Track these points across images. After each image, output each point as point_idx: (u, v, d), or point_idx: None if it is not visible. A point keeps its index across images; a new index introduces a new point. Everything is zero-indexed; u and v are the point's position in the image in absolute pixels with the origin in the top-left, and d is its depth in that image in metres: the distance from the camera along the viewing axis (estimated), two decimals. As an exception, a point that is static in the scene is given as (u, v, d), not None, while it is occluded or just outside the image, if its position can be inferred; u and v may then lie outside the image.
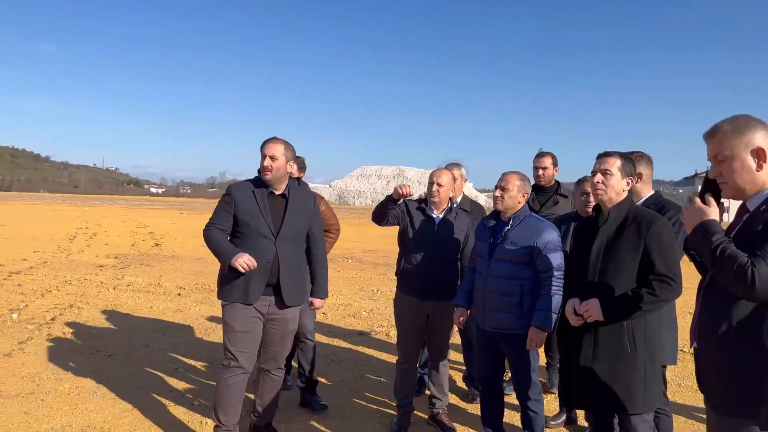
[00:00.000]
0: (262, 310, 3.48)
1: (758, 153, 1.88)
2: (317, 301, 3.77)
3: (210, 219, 3.48)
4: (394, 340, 6.49)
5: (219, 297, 3.50)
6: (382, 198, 3.86)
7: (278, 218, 3.48)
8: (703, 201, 2.02)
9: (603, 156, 2.92)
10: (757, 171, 1.89)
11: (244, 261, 3.24)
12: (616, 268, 2.75)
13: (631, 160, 2.92)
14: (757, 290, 1.71)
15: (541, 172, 4.79)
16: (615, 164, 2.87)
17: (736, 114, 1.96)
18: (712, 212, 1.96)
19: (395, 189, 3.78)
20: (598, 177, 2.88)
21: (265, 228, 3.42)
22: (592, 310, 2.75)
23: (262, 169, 3.48)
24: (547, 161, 4.75)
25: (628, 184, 2.89)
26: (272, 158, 3.43)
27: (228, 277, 3.39)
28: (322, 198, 4.94)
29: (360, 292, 9.71)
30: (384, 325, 7.25)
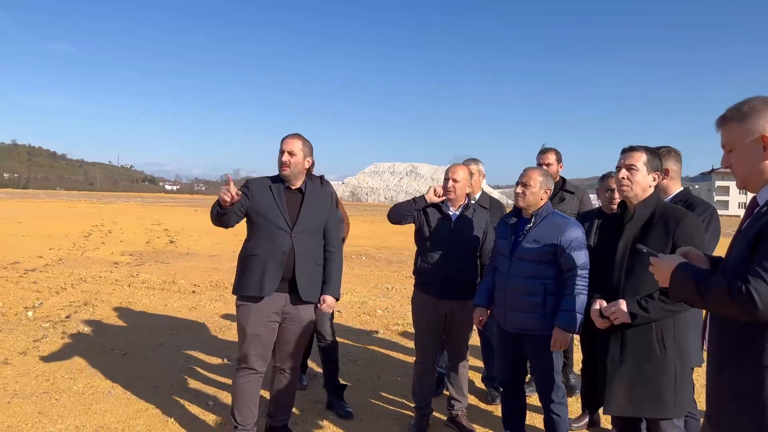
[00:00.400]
0: (277, 308, 3.43)
1: (763, 140, 1.75)
2: (329, 299, 3.58)
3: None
4: (410, 338, 6.43)
5: (234, 292, 3.47)
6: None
7: (294, 211, 3.46)
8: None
9: (628, 151, 2.80)
10: (764, 160, 1.76)
11: (224, 189, 3.18)
12: (643, 266, 2.63)
13: (657, 154, 2.80)
14: (759, 308, 1.58)
15: (544, 168, 4.64)
16: (640, 159, 2.75)
17: (750, 97, 1.83)
18: (675, 259, 1.88)
19: (430, 195, 3.79)
20: (623, 173, 2.76)
21: (280, 220, 3.40)
22: (617, 312, 2.64)
23: (279, 164, 3.46)
24: (551, 157, 4.58)
25: (654, 179, 2.77)
26: (290, 153, 3.43)
27: (243, 269, 3.38)
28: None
29: (374, 289, 9.63)
30: (399, 323, 7.16)
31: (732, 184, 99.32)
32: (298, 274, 3.41)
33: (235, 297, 3.49)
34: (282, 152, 3.44)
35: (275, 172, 3.52)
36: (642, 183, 2.75)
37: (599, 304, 2.78)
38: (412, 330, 6.73)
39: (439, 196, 3.81)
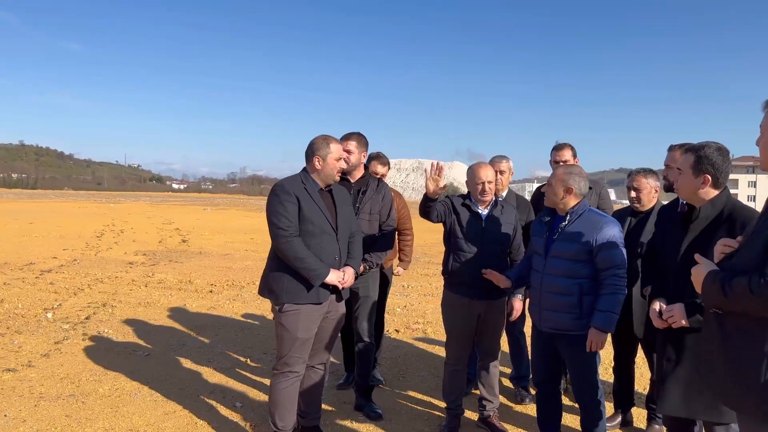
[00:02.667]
0: (324, 310, 3.44)
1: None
2: (350, 270, 3.53)
3: (278, 222, 3.28)
4: (432, 337, 6.39)
5: (282, 300, 3.34)
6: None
7: (332, 213, 3.45)
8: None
9: (681, 150, 2.73)
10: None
11: (337, 279, 3.34)
12: None
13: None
14: None
15: (561, 165, 4.56)
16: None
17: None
18: (707, 266, 1.98)
19: (427, 189, 3.61)
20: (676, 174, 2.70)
21: (326, 224, 3.38)
22: (676, 315, 2.58)
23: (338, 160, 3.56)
24: (567, 153, 4.49)
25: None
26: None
27: (294, 275, 3.30)
28: (401, 195, 4.92)
29: (391, 287, 9.57)
30: (420, 322, 7.11)
31: (741, 177, 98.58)
32: None
33: (263, 299, 3.46)
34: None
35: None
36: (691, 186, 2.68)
37: (659, 305, 2.71)
38: (432, 328, 6.73)
39: (439, 191, 3.62)
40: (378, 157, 4.71)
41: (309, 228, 3.33)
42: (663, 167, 3.78)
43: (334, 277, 3.32)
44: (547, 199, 3.41)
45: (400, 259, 5.04)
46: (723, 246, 2.01)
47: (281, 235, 3.26)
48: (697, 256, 2.05)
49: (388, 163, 4.81)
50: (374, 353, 4.37)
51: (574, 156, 4.52)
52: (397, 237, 4.69)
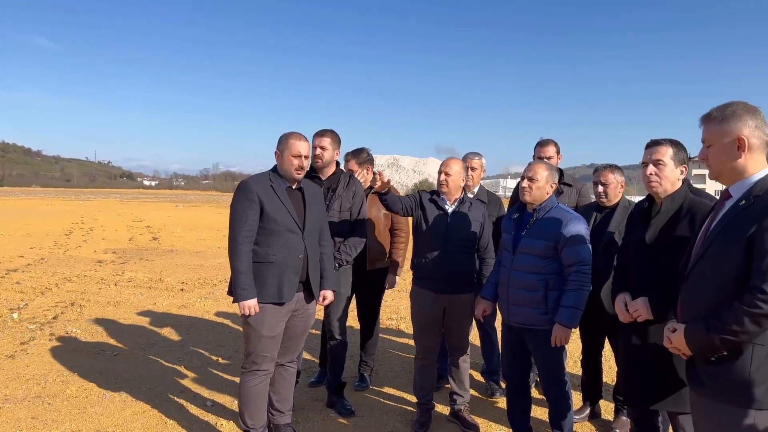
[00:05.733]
0: (291, 308, 3.42)
1: (739, 142, 1.98)
2: (329, 294, 3.63)
3: (237, 225, 3.26)
4: (406, 332, 6.40)
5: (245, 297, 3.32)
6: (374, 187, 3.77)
7: (300, 212, 3.41)
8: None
9: (653, 145, 2.76)
10: (737, 159, 1.99)
11: (250, 308, 3.24)
12: (668, 261, 2.62)
13: (682, 146, 2.77)
14: None
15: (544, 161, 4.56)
16: (667, 153, 2.72)
17: (734, 101, 2.06)
18: (679, 329, 2.08)
19: (376, 184, 3.65)
20: (651, 169, 2.73)
21: (292, 223, 3.34)
22: (641, 309, 2.64)
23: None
24: (551, 150, 4.48)
25: (681, 173, 2.74)
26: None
27: (257, 275, 3.27)
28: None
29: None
30: (393, 318, 7.13)
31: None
32: (311, 276, 3.45)
33: (228, 295, 3.41)
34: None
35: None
36: (670, 177, 2.72)
37: (624, 299, 2.76)
38: (405, 324, 6.75)
39: (384, 185, 3.66)
40: (355, 154, 4.59)
41: (272, 227, 3.29)
42: (638, 163, 3.82)
43: (249, 304, 3.22)
44: (530, 195, 3.37)
45: (390, 261, 4.65)
46: (669, 331, 2.14)
47: (234, 240, 3.27)
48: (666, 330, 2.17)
49: (367, 161, 4.61)
50: (345, 351, 4.33)
51: (558, 152, 4.52)
52: (390, 237, 4.60)
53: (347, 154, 4.61)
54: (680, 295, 2.12)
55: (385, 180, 3.64)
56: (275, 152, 3.42)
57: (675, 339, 2.07)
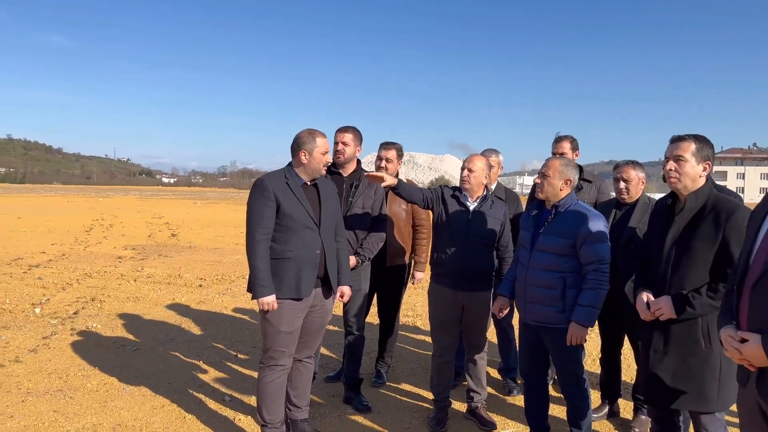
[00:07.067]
0: (309, 303, 3.44)
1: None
2: (346, 290, 3.64)
3: (254, 222, 3.28)
4: (422, 329, 6.40)
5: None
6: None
7: (316, 208, 3.43)
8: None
9: (676, 141, 2.70)
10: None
11: (269, 304, 3.27)
12: (690, 259, 2.58)
13: (707, 142, 2.71)
14: None
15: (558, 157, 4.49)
16: (689, 149, 2.66)
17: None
18: (755, 339, 1.83)
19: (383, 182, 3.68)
20: (671, 164, 2.68)
21: (308, 219, 3.36)
22: (663, 308, 2.61)
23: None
24: (566, 146, 4.44)
25: (704, 169, 2.68)
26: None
27: (275, 271, 3.29)
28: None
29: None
30: (409, 314, 7.13)
31: (730, 169, 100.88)
32: (329, 271, 3.47)
33: (247, 291, 3.43)
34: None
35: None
36: (691, 174, 2.65)
37: (646, 297, 2.73)
38: (421, 321, 6.74)
39: (382, 179, 3.67)
40: (386, 147, 4.50)
41: (289, 223, 3.31)
42: (660, 159, 3.77)
43: (268, 300, 3.24)
44: (542, 192, 3.36)
45: (414, 260, 4.69)
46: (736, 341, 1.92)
47: (251, 237, 3.28)
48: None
49: (395, 155, 4.52)
50: (363, 347, 4.34)
51: (574, 149, 4.47)
52: (410, 234, 4.58)
53: (386, 144, 4.53)
54: (747, 303, 1.90)
55: (387, 181, 3.66)
56: (301, 153, 3.38)
57: (747, 350, 1.83)
